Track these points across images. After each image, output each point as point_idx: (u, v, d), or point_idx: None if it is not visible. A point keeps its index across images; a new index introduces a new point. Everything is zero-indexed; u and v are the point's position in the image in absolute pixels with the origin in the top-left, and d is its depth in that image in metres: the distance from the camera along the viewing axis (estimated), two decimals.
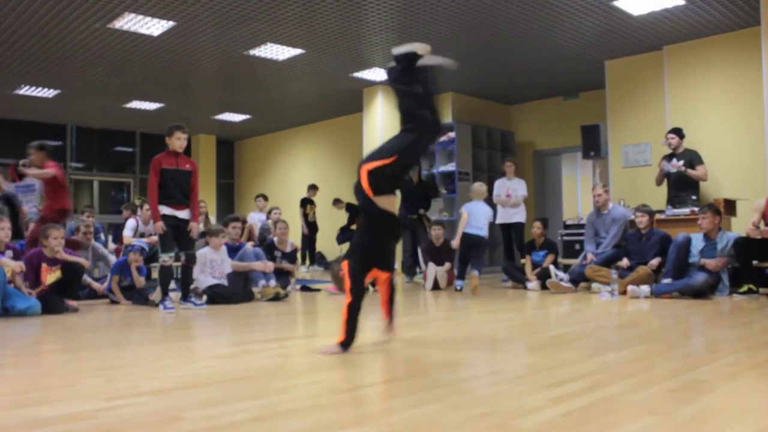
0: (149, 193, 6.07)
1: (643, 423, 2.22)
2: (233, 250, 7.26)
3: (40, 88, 11.53)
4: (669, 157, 8.23)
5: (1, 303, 5.57)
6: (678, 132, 8.28)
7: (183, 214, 6.17)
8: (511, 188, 9.29)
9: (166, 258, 6.06)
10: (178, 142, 6.16)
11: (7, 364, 3.66)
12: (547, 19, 8.09)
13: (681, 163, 8.09)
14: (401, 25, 8.29)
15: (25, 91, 11.64)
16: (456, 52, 9.51)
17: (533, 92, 12.15)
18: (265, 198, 11.31)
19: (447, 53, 9.38)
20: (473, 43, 9.06)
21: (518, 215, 9.21)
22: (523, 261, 8.71)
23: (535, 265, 8.33)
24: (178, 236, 6.12)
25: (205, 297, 6.59)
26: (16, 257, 5.88)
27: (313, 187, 13.16)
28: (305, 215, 12.91)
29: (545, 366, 3.24)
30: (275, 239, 8.03)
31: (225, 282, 6.85)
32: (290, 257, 8.00)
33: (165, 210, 6.04)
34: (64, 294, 6.08)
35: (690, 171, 8.02)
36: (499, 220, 9.45)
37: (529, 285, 8.04)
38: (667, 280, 6.85)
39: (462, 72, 10.68)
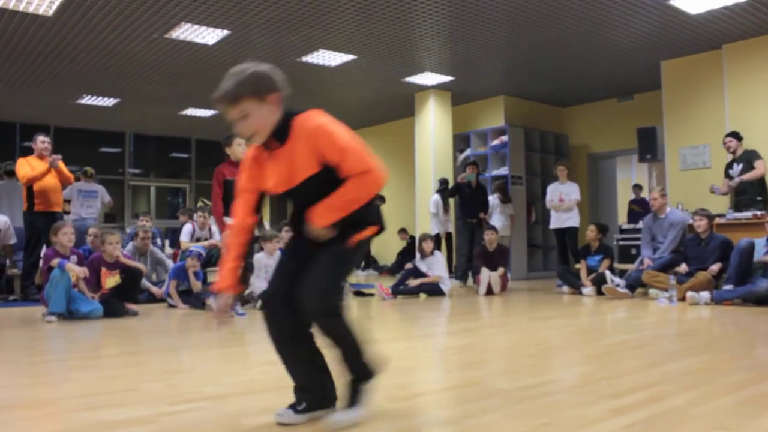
0: (213, 205, 6.03)
1: None
2: None
3: (100, 98, 11.85)
4: (730, 165, 8.03)
5: (66, 306, 5.76)
6: (735, 135, 8.07)
7: None
8: (564, 192, 9.19)
9: None
10: (239, 148, 5.96)
11: (74, 366, 3.77)
12: (601, 19, 7.96)
13: (738, 179, 7.84)
14: (453, 29, 8.27)
15: (87, 100, 11.98)
16: (508, 55, 9.45)
17: (587, 94, 11.97)
18: None
19: (498, 56, 9.39)
20: (525, 46, 8.98)
21: (572, 220, 9.12)
22: (578, 266, 8.58)
23: (590, 270, 8.19)
24: None
25: (260, 302, 6.65)
26: (80, 263, 6.06)
27: (380, 198, 13.29)
28: None
29: (604, 375, 3.19)
30: None
31: None
32: None
33: (229, 221, 6.01)
34: (124, 298, 6.24)
35: (746, 176, 7.79)
36: (552, 225, 9.38)
37: (585, 291, 7.92)
38: (728, 287, 6.67)
39: (514, 75, 10.61)
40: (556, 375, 3.31)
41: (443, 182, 10.82)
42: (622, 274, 8.27)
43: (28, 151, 8.26)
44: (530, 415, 2.46)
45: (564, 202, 9.16)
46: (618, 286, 7.57)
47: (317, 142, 2.32)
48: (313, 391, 2.47)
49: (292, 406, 2.44)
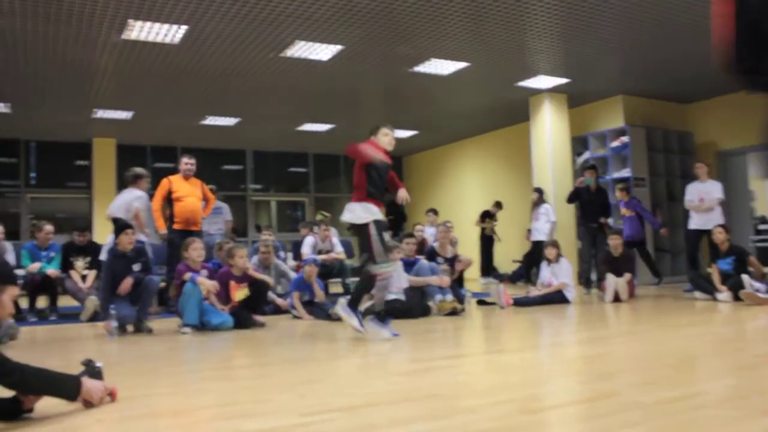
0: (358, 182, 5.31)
1: None
2: (409, 265, 7.34)
3: (222, 118, 12.38)
4: None
5: (198, 318, 6.01)
6: None
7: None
8: (705, 191, 8.72)
9: (389, 268, 5.30)
10: (385, 138, 5.43)
11: (207, 377, 3.91)
12: None
13: None
14: (566, 29, 8.05)
15: (210, 121, 12.54)
16: (625, 52, 9.11)
17: (712, 88, 11.33)
18: (435, 212, 11.38)
19: (615, 54, 9.07)
20: (642, 40, 8.59)
21: (714, 220, 8.57)
22: (709, 270, 8.11)
23: (722, 275, 7.71)
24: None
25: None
26: (210, 277, 6.31)
27: (497, 205, 13.24)
28: (484, 228, 13.03)
29: (754, 389, 2.97)
30: (436, 245, 8.01)
31: (402, 297, 6.93)
32: (451, 263, 7.94)
33: (376, 213, 5.21)
34: (252, 310, 6.44)
35: None
36: (692, 226, 8.92)
37: (720, 296, 7.47)
38: None
39: (632, 72, 10.22)
40: (699, 388, 3.11)
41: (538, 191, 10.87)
42: (763, 277, 7.74)
43: (158, 173, 8.71)
44: (676, 431, 2.32)
45: (704, 201, 8.70)
46: (758, 291, 7.08)
47: None
48: None
49: None
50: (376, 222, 5.17)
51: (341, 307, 5.26)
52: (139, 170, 8.17)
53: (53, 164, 14.36)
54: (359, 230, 5.20)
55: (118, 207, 7.89)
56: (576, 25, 7.93)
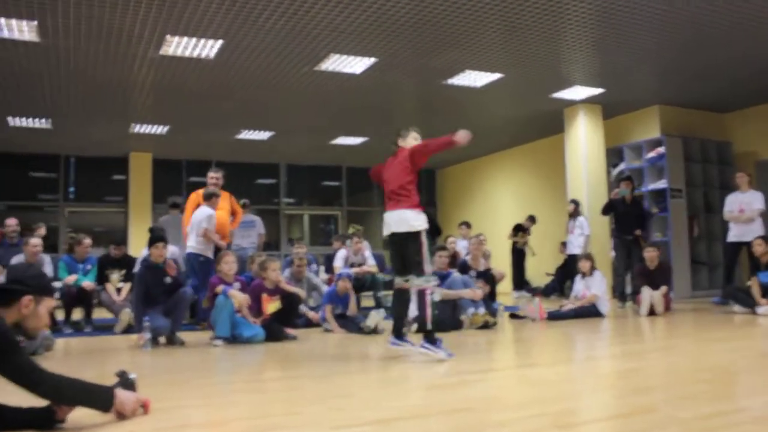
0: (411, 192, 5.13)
1: None
2: (441, 278, 7.29)
3: (256, 132, 12.50)
4: None
5: (230, 331, 6.04)
6: None
7: None
8: (745, 202, 8.56)
9: (432, 282, 5.01)
10: (415, 143, 5.32)
11: (238, 389, 3.91)
12: (763, 11, 7.34)
13: None
14: (600, 39, 7.97)
15: (244, 135, 12.67)
16: (661, 61, 8.98)
17: (751, 97, 11.10)
18: (468, 225, 11.32)
19: (651, 63, 8.95)
20: (679, 49, 8.45)
21: (754, 232, 8.39)
22: (749, 283, 7.93)
23: (763, 288, 7.53)
24: None
25: (415, 326, 6.64)
26: (242, 289, 6.34)
27: (531, 219, 13.16)
28: (515, 242, 12.94)
29: None
30: (468, 258, 7.95)
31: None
32: (484, 276, 7.87)
33: (426, 222, 4.98)
34: (283, 323, 6.45)
35: None
36: (731, 238, 8.76)
37: (760, 310, 7.30)
38: None
39: (669, 82, 10.08)
40: (740, 403, 3.03)
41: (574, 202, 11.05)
42: None
43: (193, 186, 8.79)
44: None
45: (745, 212, 8.52)
46: None
47: None
48: None
49: None
50: (426, 231, 4.89)
51: (390, 343, 4.96)
52: (214, 190, 8.09)
53: (91, 179, 14.61)
54: (409, 239, 4.87)
55: (191, 226, 7.82)
56: (611, 34, 7.84)
